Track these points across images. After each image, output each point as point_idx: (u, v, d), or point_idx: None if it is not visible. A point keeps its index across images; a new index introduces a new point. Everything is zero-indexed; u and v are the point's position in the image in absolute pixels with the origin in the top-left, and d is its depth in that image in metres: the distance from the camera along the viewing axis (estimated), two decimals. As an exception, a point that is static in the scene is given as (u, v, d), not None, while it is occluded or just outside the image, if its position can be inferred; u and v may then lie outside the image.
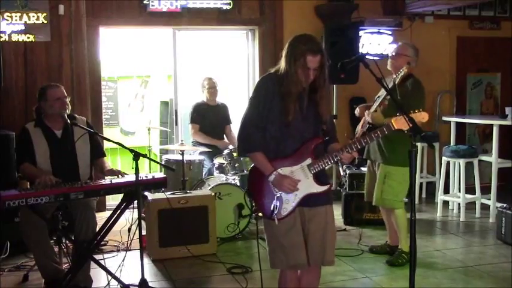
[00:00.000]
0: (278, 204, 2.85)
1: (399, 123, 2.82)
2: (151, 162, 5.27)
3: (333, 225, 3.02)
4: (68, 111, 4.01)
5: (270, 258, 2.98)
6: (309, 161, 2.86)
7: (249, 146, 2.90)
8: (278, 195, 2.85)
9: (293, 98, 2.81)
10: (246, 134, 2.89)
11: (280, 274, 3.06)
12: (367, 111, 4.43)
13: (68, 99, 4.05)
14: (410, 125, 2.75)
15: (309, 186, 2.87)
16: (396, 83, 4.33)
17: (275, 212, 2.85)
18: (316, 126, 2.93)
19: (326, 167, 2.90)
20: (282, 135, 2.87)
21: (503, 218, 5.13)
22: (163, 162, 5.67)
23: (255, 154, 2.89)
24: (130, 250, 4.25)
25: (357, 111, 4.66)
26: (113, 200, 6.05)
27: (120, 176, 3.85)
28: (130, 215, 4.08)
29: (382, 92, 4.39)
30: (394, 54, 4.54)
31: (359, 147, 2.86)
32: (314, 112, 2.90)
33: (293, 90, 2.80)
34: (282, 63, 2.85)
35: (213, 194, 4.94)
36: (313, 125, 2.91)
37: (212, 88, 6.21)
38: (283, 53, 2.86)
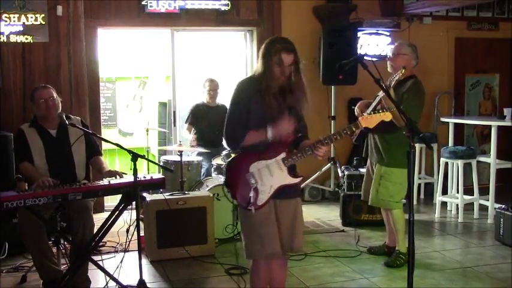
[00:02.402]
0: (254, 195, 3.00)
1: (365, 121, 3.06)
2: (150, 163, 5.28)
3: (301, 215, 3.22)
4: (59, 110, 4.00)
5: (247, 250, 3.13)
6: (283, 155, 3.03)
7: (236, 142, 3.09)
8: (254, 186, 3.01)
9: (271, 93, 2.98)
10: (231, 131, 3.07)
11: (252, 266, 3.20)
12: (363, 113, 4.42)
13: (58, 99, 4.02)
14: (377, 123, 3.04)
15: (283, 178, 3.04)
16: (392, 86, 4.31)
17: (251, 202, 2.99)
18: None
19: (299, 161, 3.06)
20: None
21: (502, 219, 5.14)
22: (161, 163, 5.66)
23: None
24: (128, 251, 4.25)
25: (357, 111, 4.63)
26: (111, 201, 6.05)
27: (118, 176, 3.83)
28: (128, 216, 4.08)
29: (381, 92, 4.37)
30: (391, 55, 4.53)
31: (329, 142, 3.01)
32: (287, 111, 3.05)
33: (271, 84, 2.98)
34: (259, 63, 3.03)
35: (211, 195, 4.93)
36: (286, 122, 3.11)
37: (212, 91, 6.24)
38: (260, 54, 3.05)
